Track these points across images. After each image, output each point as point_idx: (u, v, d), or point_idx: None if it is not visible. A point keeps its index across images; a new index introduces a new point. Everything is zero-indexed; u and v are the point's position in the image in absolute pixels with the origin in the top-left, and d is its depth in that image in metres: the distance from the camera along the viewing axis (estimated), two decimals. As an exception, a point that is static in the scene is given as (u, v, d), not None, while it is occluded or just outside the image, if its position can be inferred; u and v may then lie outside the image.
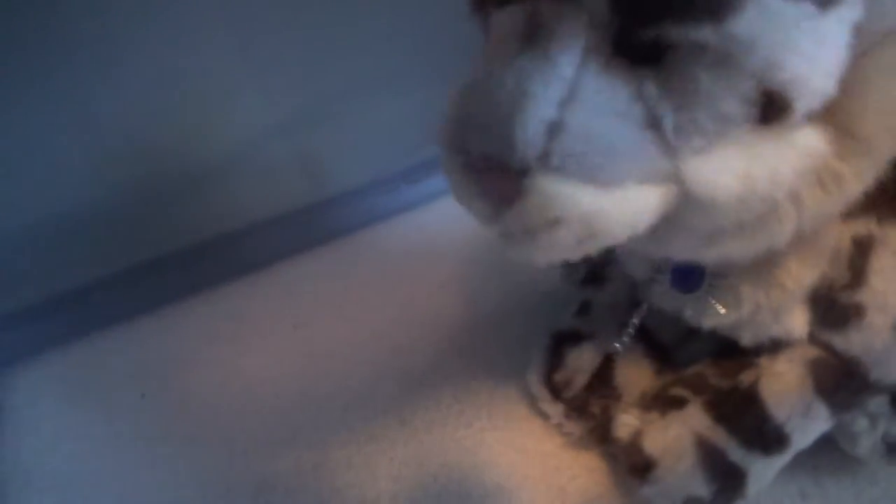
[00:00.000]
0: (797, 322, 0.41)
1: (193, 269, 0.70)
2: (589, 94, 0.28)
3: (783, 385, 0.42)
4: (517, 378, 0.57)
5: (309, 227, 0.73)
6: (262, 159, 0.69)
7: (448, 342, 0.62)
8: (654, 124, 0.28)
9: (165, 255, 0.69)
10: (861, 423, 0.45)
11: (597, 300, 0.57)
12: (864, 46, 0.29)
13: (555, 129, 0.28)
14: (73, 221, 0.64)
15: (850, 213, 0.36)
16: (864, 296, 0.38)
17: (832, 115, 0.30)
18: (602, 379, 0.53)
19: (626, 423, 0.49)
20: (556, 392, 0.54)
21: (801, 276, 0.39)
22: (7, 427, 0.61)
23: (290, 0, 0.60)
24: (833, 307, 0.40)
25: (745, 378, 0.45)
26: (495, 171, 0.29)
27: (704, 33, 0.25)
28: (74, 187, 0.63)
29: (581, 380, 0.53)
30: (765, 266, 0.39)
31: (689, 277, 0.42)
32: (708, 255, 0.35)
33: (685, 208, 0.30)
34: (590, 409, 0.52)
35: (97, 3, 0.54)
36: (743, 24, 0.25)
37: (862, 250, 0.38)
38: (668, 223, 0.31)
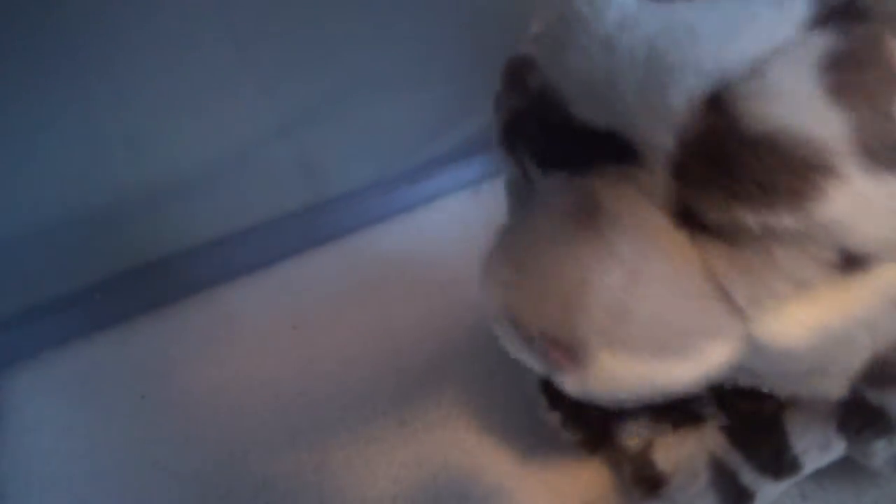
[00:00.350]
0: (836, 387, 0.38)
1: (193, 270, 0.70)
2: (652, 277, 0.26)
3: (808, 418, 0.41)
4: (517, 380, 0.57)
5: (308, 228, 0.73)
6: (261, 160, 0.69)
7: (448, 343, 0.62)
8: (725, 297, 0.27)
9: (165, 255, 0.69)
10: (879, 443, 0.43)
11: None
12: None
13: (618, 317, 0.26)
14: (72, 223, 0.63)
15: None
16: None
17: None
18: None
19: (635, 431, 0.48)
20: (553, 399, 0.53)
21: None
22: (7, 428, 0.61)
23: (289, 2, 0.60)
24: (881, 374, 0.37)
25: (768, 405, 0.43)
26: (555, 347, 0.28)
27: (785, 220, 0.24)
28: (73, 189, 0.62)
29: None
30: None
31: None
32: (802, 391, 0.34)
33: (754, 357, 0.29)
34: (587, 418, 0.51)
35: (95, 5, 0.54)
36: (828, 209, 0.24)
37: None
38: (745, 368, 0.30)
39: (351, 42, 0.64)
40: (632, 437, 0.48)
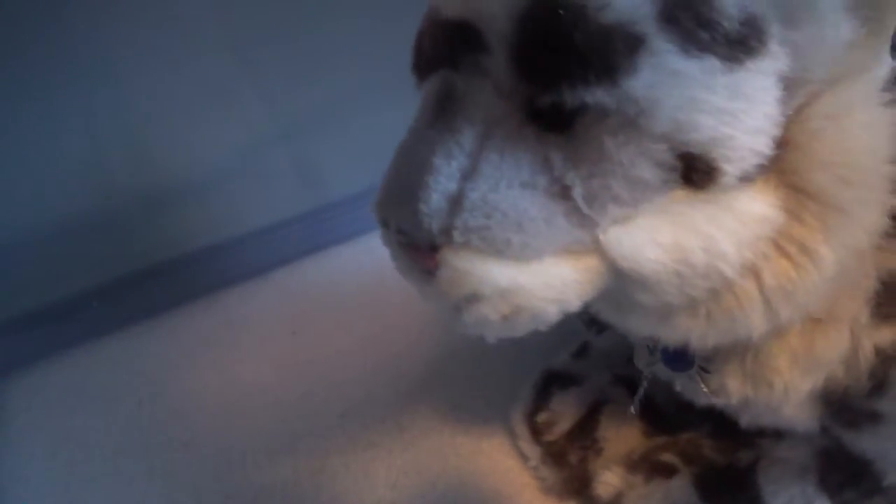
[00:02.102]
0: (802, 416, 0.36)
1: (191, 276, 0.70)
2: (491, 166, 0.26)
3: (783, 472, 0.40)
4: (515, 386, 0.57)
5: (307, 233, 0.73)
6: (261, 166, 0.69)
7: (446, 349, 0.62)
8: (564, 194, 0.26)
9: (163, 262, 0.69)
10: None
11: (596, 344, 0.55)
12: (802, 98, 0.27)
13: (456, 203, 0.26)
14: (70, 230, 0.64)
15: (878, 317, 0.32)
16: (882, 405, 0.33)
17: (783, 176, 0.27)
18: (585, 428, 0.51)
19: (608, 481, 0.47)
20: (536, 433, 0.52)
21: (795, 379, 0.34)
22: (5, 433, 0.61)
23: (287, 9, 0.60)
24: (847, 408, 0.35)
25: (744, 457, 0.42)
26: (412, 245, 0.28)
27: (599, 95, 0.24)
28: (71, 196, 0.63)
29: (564, 425, 0.51)
30: (752, 360, 0.34)
31: (680, 357, 0.38)
32: (665, 334, 0.32)
33: (621, 283, 0.28)
34: (567, 458, 0.50)
35: (95, 12, 0.54)
36: (640, 84, 0.24)
37: (886, 362, 0.32)
38: (617, 299, 0.30)
39: (349, 49, 0.64)
40: (604, 486, 0.47)
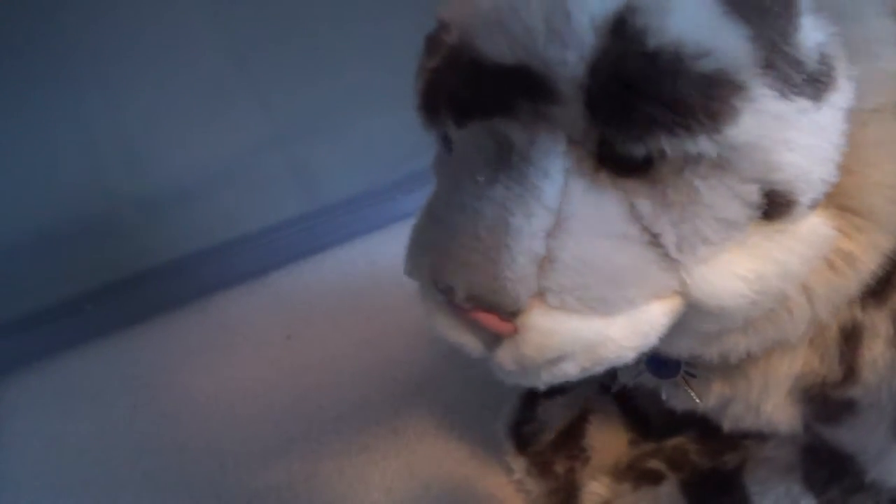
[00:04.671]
0: (783, 417, 0.37)
1: (186, 279, 0.70)
2: (577, 220, 0.25)
3: (769, 473, 0.40)
4: (508, 390, 0.57)
5: (302, 237, 0.73)
6: (256, 170, 0.69)
7: (441, 353, 0.62)
8: (652, 241, 0.26)
9: (158, 265, 0.69)
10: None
11: None
12: (855, 126, 0.27)
13: (546, 265, 0.25)
14: (64, 233, 0.63)
15: None
16: (856, 392, 0.34)
17: (835, 198, 0.28)
18: (571, 438, 0.51)
19: (595, 491, 0.47)
20: (522, 444, 0.51)
21: (771, 366, 0.34)
22: (-2, 437, 0.61)
23: (284, 13, 0.60)
24: (826, 403, 0.35)
25: (730, 460, 0.42)
26: (484, 310, 0.26)
27: (702, 144, 0.23)
28: (66, 199, 0.62)
29: (549, 435, 0.51)
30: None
31: (665, 365, 0.38)
32: (709, 351, 0.32)
33: (692, 315, 0.28)
34: (554, 468, 0.50)
35: (91, 16, 0.54)
36: (741, 130, 0.24)
37: (850, 342, 0.33)
38: (673, 328, 0.29)
39: (345, 53, 0.65)
40: (591, 497, 0.47)
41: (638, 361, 0.38)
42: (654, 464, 0.47)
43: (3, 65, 0.54)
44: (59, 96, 0.57)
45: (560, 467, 0.50)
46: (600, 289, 0.26)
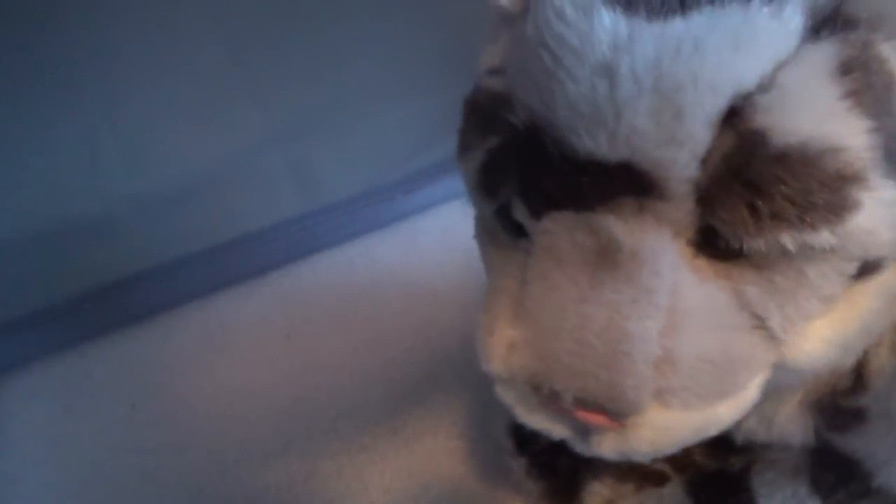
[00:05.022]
0: (795, 428, 0.37)
1: (185, 279, 0.70)
2: (689, 317, 0.25)
3: (776, 475, 0.40)
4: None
5: (301, 237, 0.73)
6: (255, 169, 0.69)
7: (441, 352, 0.62)
8: (759, 325, 0.25)
9: (157, 264, 0.69)
10: None
11: None
12: None
13: (663, 366, 0.25)
14: (63, 232, 0.63)
15: None
16: (865, 400, 0.34)
17: None
18: None
19: (598, 492, 0.46)
20: (522, 445, 0.50)
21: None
22: (-4, 437, 0.61)
23: (283, 12, 0.60)
24: (837, 412, 0.35)
25: (736, 462, 0.42)
26: (594, 412, 0.26)
27: (823, 237, 0.23)
28: (64, 198, 0.62)
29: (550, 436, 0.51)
30: None
31: None
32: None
33: (776, 375, 0.28)
34: (554, 469, 0.49)
35: (88, 14, 0.54)
36: (860, 220, 0.23)
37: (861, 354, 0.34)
38: None
39: (345, 51, 0.64)
40: (593, 497, 0.46)
41: None
42: (658, 464, 0.47)
43: (2, 64, 0.53)
44: (57, 96, 0.57)
45: (560, 469, 0.49)
46: (717, 381, 0.25)
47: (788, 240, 0.23)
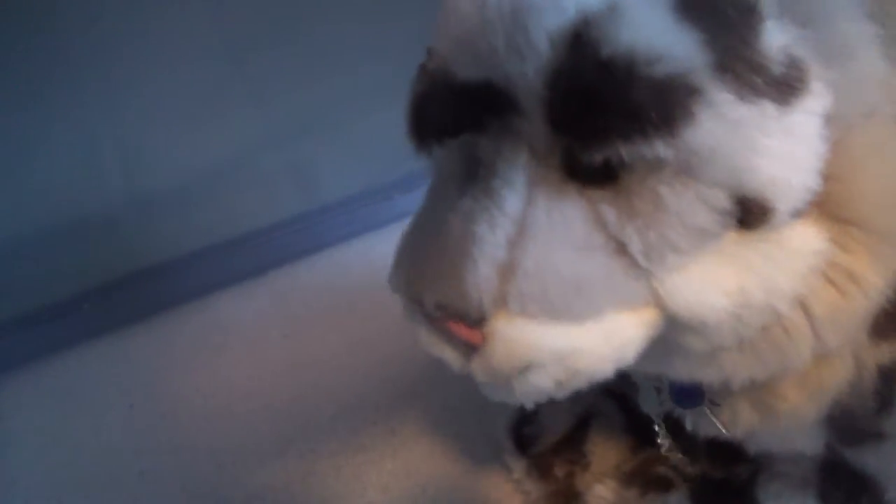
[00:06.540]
0: (808, 441, 0.36)
1: (184, 279, 0.70)
2: (540, 229, 0.25)
3: (783, 487, 0.39)
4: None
5: (300, 236, 0.73)
6: (254, 169, 0.69)
7: (438, 352, 0.62)
8: (619, 250, 0.26)
9: (155, 264, 0.69)
10: None
11: None
12: (840, 132, 0.27)
13: (508, 272, 0.25)
14: (62, 232, 0.63)
15: (876, 336, 0.32)
16: (888, 424, 0.34)
17: (825, 208, 0.27)
18: (572, 442, 0.50)
19: (601, 496, 0.47)
20: (522, 445, 0.51)
21: (802, 406, 0.33)
22: (-5, 436, 0.61)
23: (282, 13, 0.60)
24: (853, 430, 0.35)
25: (742, 471, 0.42)
26: (454, 320, 0.26)
27: (659, 148, 0.23)
28: (64, 198, 0.62)
29: (550, 438, 0.51)
30: (759, 389, 0.34)
31: (690, 394, 0.37)
32: (710, 375, 0.31)
33: (675, 330, 0.27)
34: (553, 471, 0.49)
35: (89, 16, 0.54)
36: (699, 134, 0.24)
37: (889, 379, 0.33)
38: (661, 344, 0.28)
39: (344, 52, 0.65)
40: (598, 501, 0.46)
41: (661, 391, 0.39)
42: (663, 471, 0.47)
43: (1, 65, 0.54)
44: (57, 96, 0.57)
45: (560, 471, 0.50)
46: (563, 296, 0.26)
47: (624, 150, 0.24)
